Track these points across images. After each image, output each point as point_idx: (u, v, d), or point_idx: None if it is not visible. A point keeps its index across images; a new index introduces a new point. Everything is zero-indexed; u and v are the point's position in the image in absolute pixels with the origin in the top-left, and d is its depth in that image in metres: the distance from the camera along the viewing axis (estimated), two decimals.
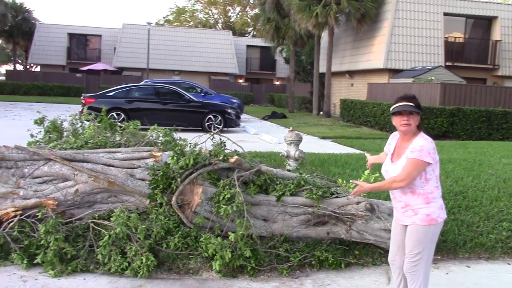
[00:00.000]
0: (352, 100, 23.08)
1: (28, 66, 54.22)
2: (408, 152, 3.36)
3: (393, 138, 3.67)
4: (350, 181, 3.71)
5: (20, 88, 37.01)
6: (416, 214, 3.40)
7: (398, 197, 3.52)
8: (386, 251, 5.15)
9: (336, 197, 5.17)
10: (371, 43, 25.15)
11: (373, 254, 5.13)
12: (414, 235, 3.42)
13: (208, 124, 17.01)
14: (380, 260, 5.06)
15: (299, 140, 7.72)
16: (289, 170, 6.40)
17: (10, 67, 59.79)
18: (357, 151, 12.50)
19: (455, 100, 18.29)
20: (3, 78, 44.56)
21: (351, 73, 27.83)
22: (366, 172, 5.69)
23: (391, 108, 3.49)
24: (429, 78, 20.18)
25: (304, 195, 5.07)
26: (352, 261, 4.95)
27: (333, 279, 4.65)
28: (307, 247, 4.95)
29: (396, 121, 3.46)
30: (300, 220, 5.04)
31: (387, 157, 3.65)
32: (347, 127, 20.65)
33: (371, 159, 4.13)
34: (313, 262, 4.83)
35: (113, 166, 5.19)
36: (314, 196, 4.98)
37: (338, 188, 5.40)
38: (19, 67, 56.51)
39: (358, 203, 5.03)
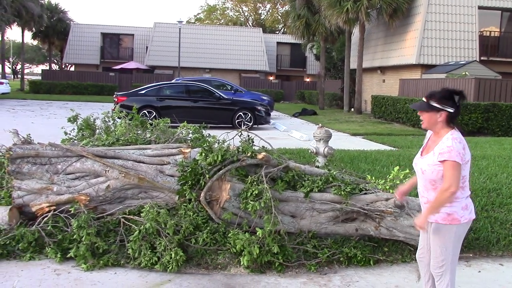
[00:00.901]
0: (384, 96, 22.81)
1: (63, 66, 55.43)
2: (436, 151, 3.27)
3: (428, 133, 3.60)
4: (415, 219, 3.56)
5: (55, 87, 37.91)
6: (437, 212, 3.32)
7: (421, 192, 3.48)
8: (415, 248, 5.08)
9: (365, 193, 5.13)
10: (403, 38, 24.79)
11: (402, 251, 5.07)
12: (437, 234, 3.36)
13: (238, 121, 17.09)
14: (409, 257, 5.00)
15: (328, 137, 7.68)
16: (317, 167, 6.38)
17: (46, 67, 61.23)
18: (388, 148, 12.36)
19: (490, 95, 17.87)
20: (39, 77, 45.60)
21: (383, 69, 27.50)
22: (396, 168, 5.64)
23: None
24: (463, 73, 19.77)
25: (333, 192, 5.05)
26: (381, 258, 4.90)
27: (361, 275, 4.62)
28: (335, 243, 4.93)
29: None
30: (328, 217, 5.02)
31: (419, 151, 3.60)
32: (379, 124, 20.42)
33: (403, 190, 3.84)
34: (341, 259, 4.81)
35: (143, 162, 5.28)
36: (343, 193, 4.95)
37: (367, 185, 5.36)
38: (55, 67, 57.81)
39: (387, 199, 4.99)
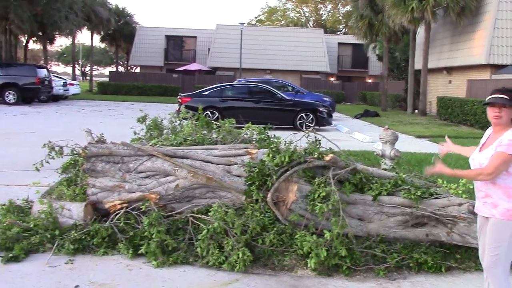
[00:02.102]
0: (450, 97, 22.07)
1: (129, 68, 57.33)
2: (495, 144, 3.27)
3: (488, 131, 3.57)
4: (426, 168, 3.53)
5: (121, 88, 39.30)
6: (495, 207, 3.29)
7: (479, 186, 3.42)
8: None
9: (436, 198, 4.97)
10: (471, 37, 23.87)
11: (476, 258, 4.84)
12: (493, 229, 3.31)
13: (299, 123, 17.04)
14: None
15: (394, 139, 7.53)
16: (384, 169, 6.25)
17: (112, 69, 63.55)
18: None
19: None
20: (107, 79, 47.41)
21: (449, 70, 26.60)
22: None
23: (486, 99, 3.41)
24: None
25: (402, 195, 4.93)
26: (453, 265, 4.73)
27: (432, 283, 4.47)
28: (404, 248, 4.81)
29: (489, 112, 3.38)
30: (397, 221, 4.91)
31: (477, 147, 3.54)
32: (445, 126, 19.79)
33: (451, 147, 3.88)
34: (411, 264, 4.67)
35: (210, 162, 5.36)
36: (413, 196, 4.82)
37: (438, 189, 5.20)
38: (121, 69, 59.90)
39: (460, 204, 4.81)
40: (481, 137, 3.59)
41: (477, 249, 4.87)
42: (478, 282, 4.48)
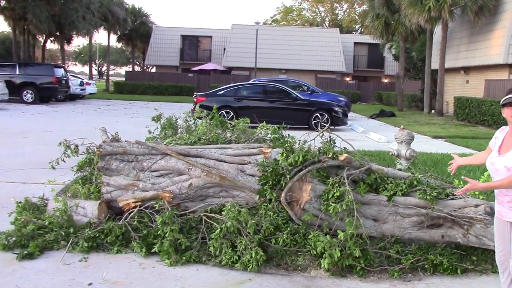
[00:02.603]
0: (468, 97, 21.81)
1: (145, 67, 57.69)
2: None
3: (501, 132, 3.49)
4: (462, 177, 3.47)
5: (137, 88, 39.55)
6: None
7: (505, 191, 3.30)
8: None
9: (452, 198, 4.90)
10: (489, 37, 23.55)
11: (492, 261, 4.78)
12: None
13: (314, 123, 16.97)
14: None
15: (410, 139, 7.44)
16: (400, 170, 6.18)
17: (129, 68, 63.97)
18: (473, 151, 11.78)
19: None
20: (123, 79, 47.76)
21: (466, 69, 26.28)
22: (486, 173, 5.35)
23: (502, 100, 3.32)
24: None
25: (417, 196, 4.86)
26: (469, 267, 4.65)
27: (448, 285, 4.41)
28: (419, 250, 4.74)
29: (506, 113, 3.29)
30: (412, 222, 4.85)
31: (493, 150, 3.44)
32: (462, 126, 19.56)
33: (459, 160, 3.84)
34: (426, 266, 4.61)
35: (224, 161, 5.35)
36: (428, 197, 4.76)
37: (454, 190, 5.12)
38: (137, 68, 60.29)
39: (476, 206, 4.73)
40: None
41: (494, 251, 4.81)
42: (494, 285, 4.41)
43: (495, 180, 3.37)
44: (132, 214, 5.09)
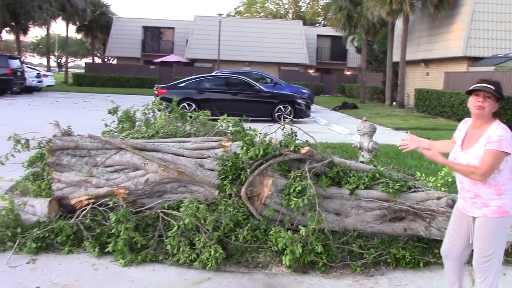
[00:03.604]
0: (428, 89, 22.13)
1: (105, 59, 56.42)
2: (483, 142, 3.13)
3: (464, 125, 3.42)
4: (427, 143, 3.34)
5: (98, 80, 38.61)
6: (487, 206, 3.17)
7: (467, 187, 3.26)
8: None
9: (415, 191, 4.84)
10: (449, 30, 23.95)
11: None
12: (486, 228, 3.19)
13: (278, 115, 16.86)
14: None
15: (372, 131, 7.38)
16: (362, 162, 6.11)
17: (89, 60, 62.49)
18: None
19: None
20: (83, 70, 46.56)
21: (427, 62, 26.70)
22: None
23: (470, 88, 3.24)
24: None
25: (380, 189, 4.78)
26: (431, 260, 4.60)
27: (411, 279, 4.35)
28: (382, 243, 4.67)
29: (471, 102, 3.21)
30: (375, 215, 4.77)
31: (457, 144, 3.38)
32: (422, 118, 19.84)
33: (420, 142, 3.48)
34: (388, 260, 4.54)
35: (182, 155, 5.14)
36: (391, 190, 4.68)
37: (416, 182, 5.07)
38: (98, 60, 58.94)
39: (439, 198, 4.68)
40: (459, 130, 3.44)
41: None
42: None
43: (458, 177, 3.32)
44: (84, 212, 4.83)
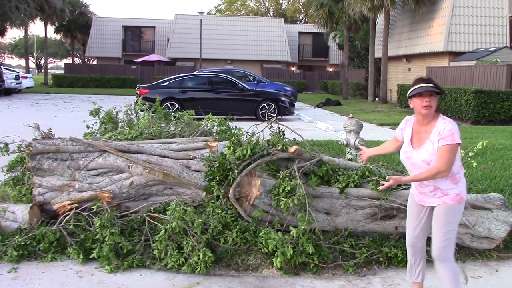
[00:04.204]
0: (410, 85, 22.21)
1: (85, 60, 55.73)
2: (434, 138, 3.24)
3: (407, 123, 3.53)
4: (387, 177, 3.49)
5: (78, 80, 38.08)
6: (446, 195, 3.32)
7: (426, 182, 3.36)
8: (460, 247, 4.74)
9: (405, 188, 4.77)
10: (430, 25, 24.08)
11: None
12: (445, 214, 3.33)
13: (262, 113, 16.77)
14: (454, 256, 4.63)
15: (359, 128, 7.32)
16: (350, 160, 6.04)
17: (69, 61, 61.65)
18: None
19: None
20: (63, 71, 45.91)
21: (409, 57, 26.83)
22: None
23: (409, 91, 3.33)
24: (494, 60, 19.10)
25: (370, 187, 4.71)
26: None
27: (403, 277, 4.27)
28: (373, 242, 4.60)
29: (416, 103, 3.30)
30: (365, 214, 4.69)
31: (405, 143, 3.47)
32: (405, 113, 19.86)
33: (370, 151, 3.93)
34: (380, 259, 4.47)
35: (168, 157, 5.01)
36: None
37: None
38: (78, 61, 58.17)
39: None
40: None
41: None
42: None
43: (413, 173, 3.41)
44: (67, 217, 4.67)
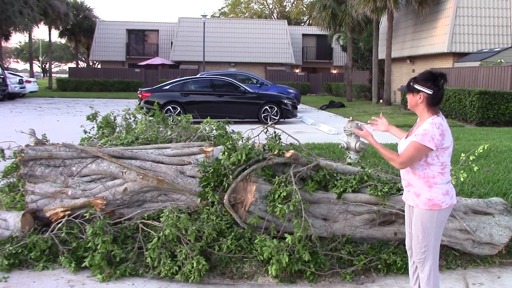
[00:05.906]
0: None
1: (90, 63, 55.83)
2: (414, 133, 3.31)
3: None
4: (373, 117, 3.64)
5: (82, 84, 38.10)
6: (418, 196, 3.32)
7: (402, 175, 3.47)
8: (461, 253, 4.64)
9: None
10: (434, 26, 23.92)
11: (447, 256, 4.60)
12: (419, 219, 3.33)
13: (264, 116, 16.66)
14: (455, 263, 4.54)
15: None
16: (349, 164, 5.93)
17: (74, 64, 61.80)
18: None
19: None
20: (67, 75, 45.99)
21: (412, 59, 26.67)
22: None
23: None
24: (498, 60, 18.93)
25: (368, 192, 4.61)
26: None
27: (402, 285, 4.17)
28: (372, 249, 4.49)
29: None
30: (363, 219, 4.59)
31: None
32: (410, 115, 19.73)
33: (385, 124, 3.84)
34: (379, 266, 4.36)
35: (162, 163, 4.93)
36: (379, 193, 4.50)
37: None
38: (82, 64, 58.29)
39: None
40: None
41: (447, 247, 4.63)
42: (449, 283, 4.21)
43: None
44: (60, 224, 4.59)
